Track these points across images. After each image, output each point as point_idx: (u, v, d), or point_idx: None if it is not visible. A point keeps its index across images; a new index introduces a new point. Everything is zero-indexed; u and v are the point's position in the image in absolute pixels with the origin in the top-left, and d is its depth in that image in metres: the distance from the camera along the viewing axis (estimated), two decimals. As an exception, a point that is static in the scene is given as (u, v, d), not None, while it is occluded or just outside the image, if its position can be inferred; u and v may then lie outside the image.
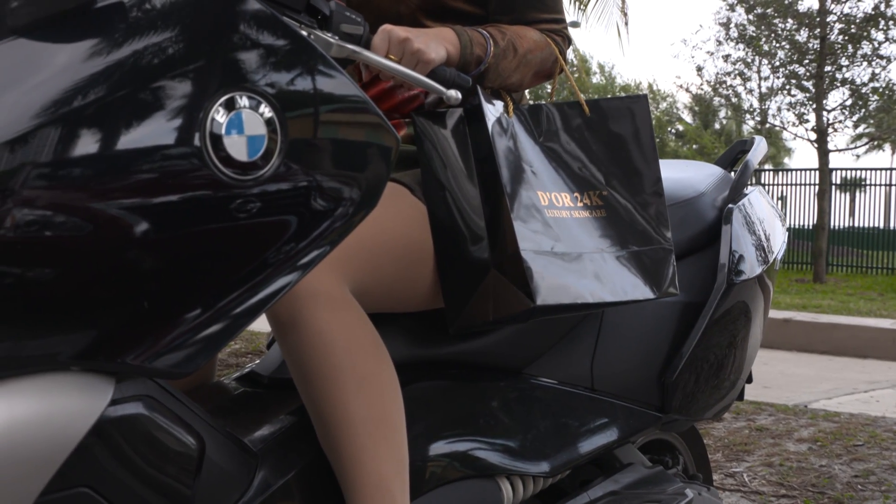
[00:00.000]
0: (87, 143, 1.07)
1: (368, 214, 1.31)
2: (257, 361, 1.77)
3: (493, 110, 1.68)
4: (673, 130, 39.52)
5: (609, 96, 1.94)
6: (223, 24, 1.18)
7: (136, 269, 1.11)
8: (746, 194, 2.35)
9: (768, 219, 2.43)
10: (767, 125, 20.63)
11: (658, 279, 1.76)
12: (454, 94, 1.57)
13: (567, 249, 1.64)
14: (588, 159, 1.77)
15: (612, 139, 1.80)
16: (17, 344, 1.05)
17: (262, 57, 1.20)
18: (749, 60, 19.20)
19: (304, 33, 1.44)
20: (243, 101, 1.17)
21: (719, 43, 18.75)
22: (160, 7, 1.15)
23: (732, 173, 2.54)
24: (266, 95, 1.19)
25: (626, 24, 12.45)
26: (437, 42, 1.64)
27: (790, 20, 17.09)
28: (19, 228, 1.03)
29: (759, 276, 2.23)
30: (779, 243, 2.44)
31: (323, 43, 1.48)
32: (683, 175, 2.33)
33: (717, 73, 19.26)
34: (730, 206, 2.23)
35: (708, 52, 27.81)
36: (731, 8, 18.44)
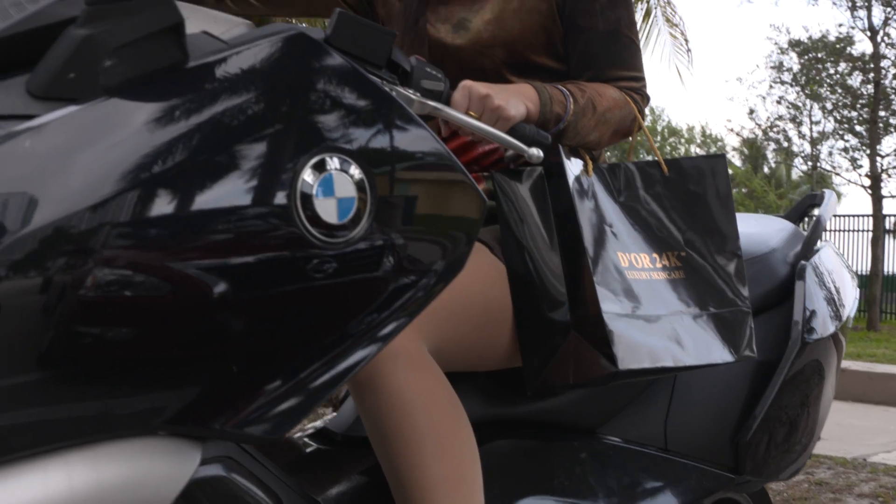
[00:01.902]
0: (172, 203, 1.07)
1: (450, 283, 1.29)
2: (329, 418, 1.75)
3: (573, 169, 1.67)
4: (722, 174, 39.08)
5: (687, 156, 1.93)
6: (309, 82, 1.18)
7: (222, 332, 1.10)
8: (818, 250, 2.32)
9: (840, 275, 2.40)
10: (819, 169, 20.49)
11: (736, 341, 1.74)
12: (536, 152, 1.56)
13: (647, 312, 1.63)
14: (667, 219, 1.76)
15: (690, 198, 1.79)
16: (107, 407, 1.04)
17: (350, 115, 1.19)
18: (800, 104, 19.11)
19: (386, 90, 1.44)
20: (334, 163, 1.16)
21: (771, 86, 18.68)
22: (248, 67, 1.15)
23: (802, 227, 2.51)
24: (356, 156, 1.18)
25: (690, 62, 12.42)
26: (517, 99, 1.62)
27: (843, 64, 17.01)
28: (101, 288, 1.03)
29: (833, 333, 2.19)
30: (850, 299, 2.40)
31: (405, 99, 1.47)
32: (754, 230, 2.30)
33: (769, 117, 19.18)
34: (802, 262, 2.20)
35: (759, 96, 27.70)
36: (783, 51, 18.38)
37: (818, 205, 2.54)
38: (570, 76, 1.85)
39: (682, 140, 46.58)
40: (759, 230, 2.31)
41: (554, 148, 1.67)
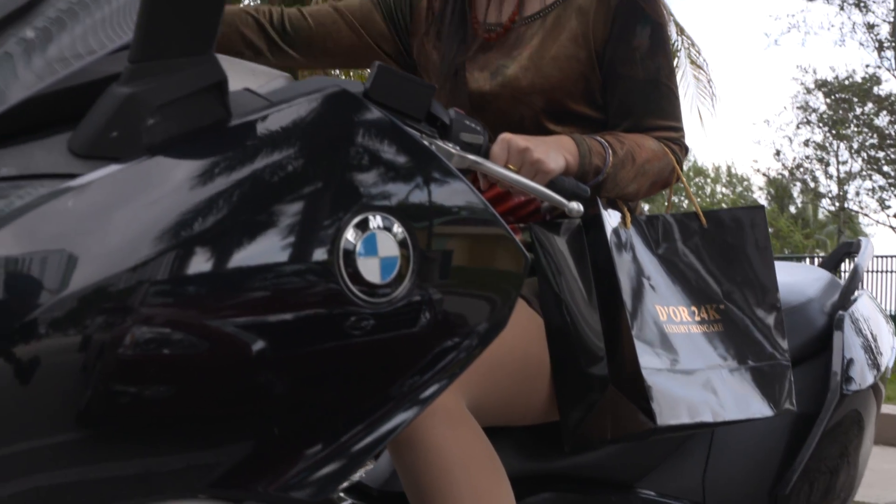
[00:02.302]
0: (213, 261, 1.06)
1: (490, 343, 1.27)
2: (365, 471, 1.74)
3: (610, 221, 1.66)
4: (748, 213, 38.97)
5: (725, 207, 1.93)
6: (351, 139, 1.17)
7: (262, 390, 1.09)
8: (855, 299, 2.30)
9: (877, 323, 2.37)
10: (846, 210, 20.42)
11: (776, 395, 1.72)
12: (576, 206, 1.54)
13: (686, 366, 1.61)
14: (705, 271, 1.74)
15: (728, 250, 1.78)
16: (148, 468, 1.03)
17: (391, 171, 1.18)
18: (827, 144, 19.09)
19: (426, 143, 1.43)
20: (376, 221, 1.15)
21: (798, 126, 18.66)
22: (290, 125, 1.14)
23: (838, 276, 2.49)
24: (399, 214, 1.17)
25: (714, 104, 12.42)
26: (556, 151, 1.61)
27: (870, 104, 16.97)
28: (140, 346, 1.02)
29: (873, 384, 2.16)
30: (888, 348, 2.38)
31: (444, 153, 1.46)
32: (791, 280, 2.28)
33: (795, 157, 19.17)
34: (840, 312, 2.17)
35: (785, 136, 27.66)
36: (810, 91, 18.36)
37: (855, 253, 2.52)
38: (608, 125, 1.84)
39: (709, 180, 46.53)
40: (795, 279, 2.29)
41: (592, 199, 1.66)
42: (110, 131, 1.08)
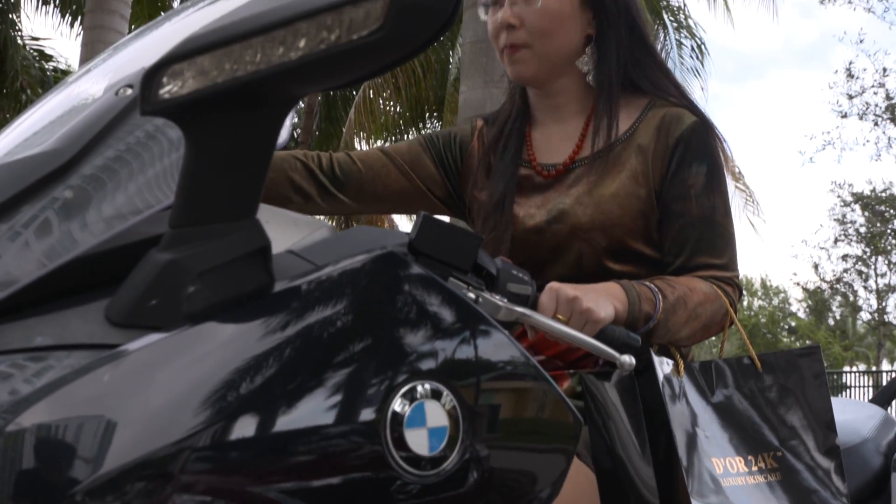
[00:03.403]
0: (255, 428, 1.02)
1: None
2: None
3: (663, 369, 1.61)
4: (786, 326, 39.04)
5: (780, 350, 1.87)
6: (398, 303, 1.13)
7: None
8: (911, 438, 2.23)
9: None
10: (886, 323, 20.25)
11: None
12: (628, 360, 1.49)
13: None
14: (761, 418, 1.69)
15: (785, 395, 1.73)
16: None
17: (438, 335, 1.14)
18: (865, 257, 19.01)
19: (473, 296, 1.39)
20: (425, 390, 1.10)
21: (836, 241, 18.61)
22: (335, 289, 1.10)
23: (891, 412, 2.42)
24: (447, 381, 1.12)
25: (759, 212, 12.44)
26: (606, 300, 1.57)
27: (908, 218, 16.92)
28: None
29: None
30: None
31: (491, 307, 1.42)
32: (843, 418, 2.21)
33: (834, 271, 19.11)
34: None
35: (822, 248, 27.60)
36: (847, 204, 18.34)
37: (909, 390, 2.45)
38: (664, 261, 1.82)
39: (745, 292, 46.36)
40: (849, 417, 2.22)
41: (644, 346, 1.61)
42: (149, 299, 1.05)
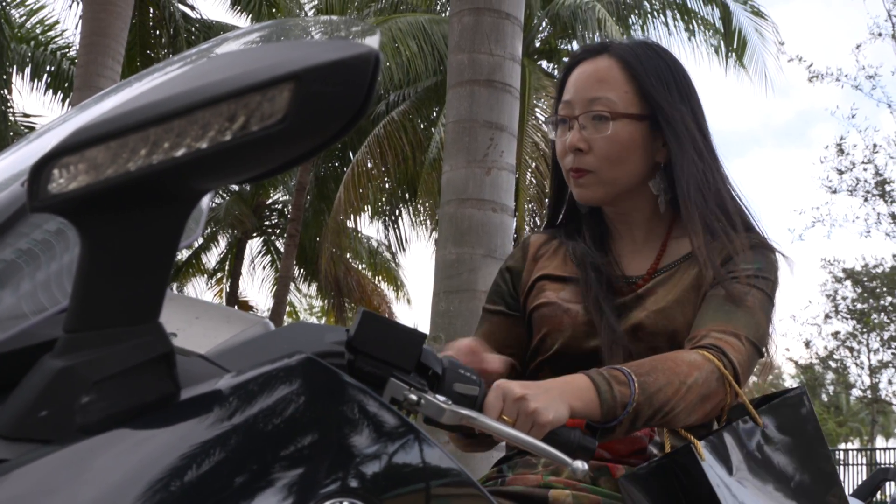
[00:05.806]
0: None
1: None
2: None
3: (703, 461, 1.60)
4: (780, 402, 38.59)
5: (767, 394, 1.83)
6: (318, 416, 1.04)
7: None
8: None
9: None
10: (879, 400, 20.13)
11: None
12: (580, 466, 1.39)
13: None
14: (773, 477, 1.69)
15: (784, 446, 1.73)
16: None
17: (358, 449, 1.05)
18: (857, 333, 18.95)
19: (414, 398, 1.31)
20: None
21: (827, 317, 18.54)
22: (247, 399, 1.01)
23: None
24: (367, 499, 1.02)
25: None
26: (558, 400, 1.47)
27: (898, 293, 16.89)
28: None
29: None
30: None
31: (434, 409, 1.33)
32: None
33: (825, 347, 19.05)
34: None
35: (813, 324, 27.39)
36: (838, 280, 18.31)
37: (891, 480, 2.37)
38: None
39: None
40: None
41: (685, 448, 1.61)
42: (40, 410, 0.96)
